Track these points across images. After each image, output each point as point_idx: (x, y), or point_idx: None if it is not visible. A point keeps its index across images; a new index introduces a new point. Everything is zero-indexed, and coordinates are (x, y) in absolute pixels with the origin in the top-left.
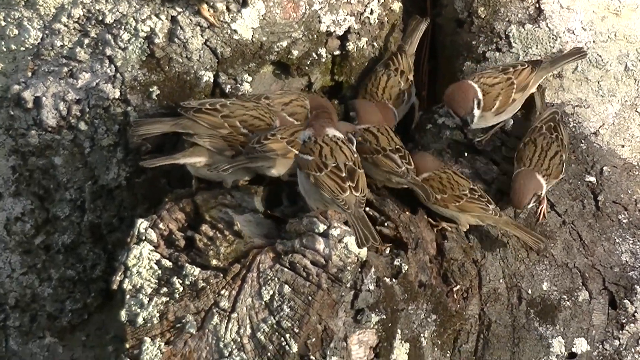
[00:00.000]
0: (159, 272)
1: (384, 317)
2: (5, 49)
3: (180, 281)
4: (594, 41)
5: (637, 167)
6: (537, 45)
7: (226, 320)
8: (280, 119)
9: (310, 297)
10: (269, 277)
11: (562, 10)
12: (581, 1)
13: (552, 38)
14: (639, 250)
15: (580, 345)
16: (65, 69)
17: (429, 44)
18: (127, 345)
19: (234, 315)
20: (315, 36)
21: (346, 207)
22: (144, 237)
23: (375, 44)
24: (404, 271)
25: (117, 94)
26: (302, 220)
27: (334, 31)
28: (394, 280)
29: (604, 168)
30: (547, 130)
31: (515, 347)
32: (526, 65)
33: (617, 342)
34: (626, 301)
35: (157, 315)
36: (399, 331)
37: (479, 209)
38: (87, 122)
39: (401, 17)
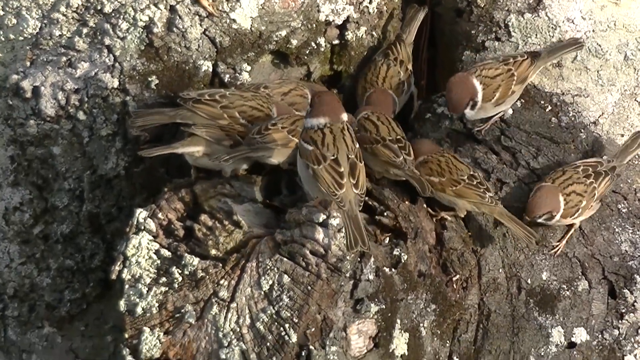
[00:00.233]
0: (158, 262)
1: (384, 307)
2: (3, 39)
3: (180, 271)
4: (593, 30)
5: (637, 156)
6: (536, 35)
7: (225, 310)
8: (278, 108)
9: (309, 287)
10: (268, 267)
11: (562, 0)
12: None
13: (552, 27)
14: (639, 240)
15: (580, 335)
16: (64, 59)
17: (428, 33)
18: (126, 335)
19: (233, 305)
20: (314, 25)
21: (342, 204)
22: (142, 227)
23: (374, 33)
24: (403, 261)
25: (116, 84)
26: (301, 209)
27: (333, 20)
28: (393, 270)
29: (604, 157)
30: (583, 172)
31: (514, 336)
32: (526, 57)
33: (616, 332)
34: (626, 291)
35: (156, 305)
36: (398, 321)
37: (476, 195)
38: (86, 112)
39: (400, 5)
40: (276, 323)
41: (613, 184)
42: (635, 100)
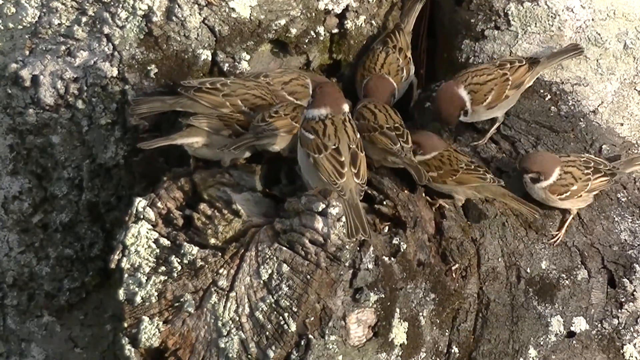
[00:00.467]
0: (157, 251)
1: (383, 296)
2: (2, 27)
3: (179, 260)
4: (592, 19)
5: (636, 145)
6: (535, 24)
7: (224, 299)
8: (279, 99)
9: (308, 276)
10: (268, 256)
11: None
12: None
13: (551, 16)
14: (638, 229)
15: (579, 324)
16: (63, 48)
17: (427, 22)
18: (125, 324)
19: (232, 294)
20: (313, 14)
21: (342, 193)
22: (142, 216)
23: (373, 22)
24: (402, 250)
25: (115, 73)
26: (300, 199)
27: (332, 9)
28: (392, 259)
29: (603, 146)
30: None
31: (513, 325)
32: (524, 63)
33: (615, 321)
34: (625, 280)
35: (156, 294)
36: (397, 310)
37: (477, 178)
38: (85, 101)
39: None
40: (275, 312)
41: (608, 186)
42: (634, 89)
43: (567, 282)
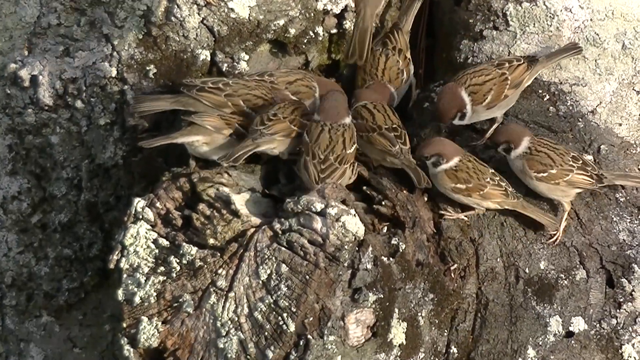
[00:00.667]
0: (156, 251)
1: (382, 296)
2: (1, 27)
3: (178, 260)
4: (591, 19)
5: (635, 145)
6: (534, 24)
7: (223, 300)
8: (282, 98)
9: (307, 276)
10: (267, 256)
11: None
12: None
13: (549, 16)
14: (637, 229)
15: (578, 324)
16: (62, 48)
17: (426, 21)
18: (124, 325)
19: (231, 294)
20: (312, 14)
21: None
22: (141, 216)
23: None
24: (401, 250)
25: (114, 73)
26: (299, 199)
27: (331, 9)
28: (391, 259)
29: (602, 146)
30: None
31: (512, 326)
32: (522, 62)
33: (614, 321)
34: (623, 280)
35: (154, 294)
36: (396, 310)
37: (501, 195)
38: (84, 101)
39: None
40: (274, 312)
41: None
42: (633, 89)
43: (565, 282)
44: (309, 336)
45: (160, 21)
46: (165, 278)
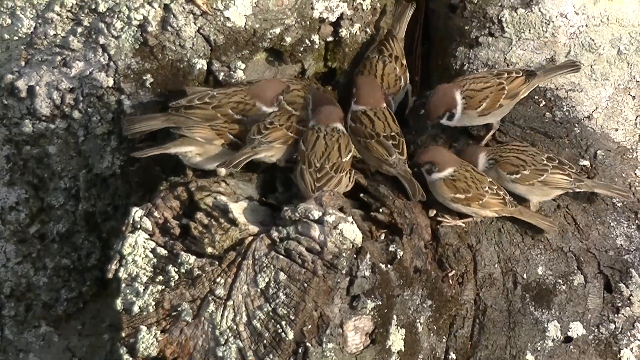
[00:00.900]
0: (155, 260)
1: (380, 303)
2: None
3: (176, 269)
4: (586, 25)
5: (631, 150)
6: (529, 30)
7: (222, 308)
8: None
9: (305, 284)
10: (265, 265)
11: None
12: None
13: (545, 22)
14: (634, 234)
15: (576, 329)
16: (59, 58)
17: (422, 28)
18: (123, 334)
19: (230, 302)
20: (308, 23)
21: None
22: (139, 226)
23: (368, 29)
24: (399, 257)
25: (111, 83)
26: (297, 207)
27: (327, 17)
28: (389, 266)
29: (598, 152)
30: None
31: (511, 331)
32: (521, 74)
33: (612, 326)
34: (621, 285)
35: (153, 303)
36: (394, 317)
37: (500, 203)
38: (81, 111)
39: (393, 2)
40: (273, 320)
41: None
42: (628, 94)
43: (563, 287)
44: (308, 344)
45: (157, 31)
46: (163, 287)
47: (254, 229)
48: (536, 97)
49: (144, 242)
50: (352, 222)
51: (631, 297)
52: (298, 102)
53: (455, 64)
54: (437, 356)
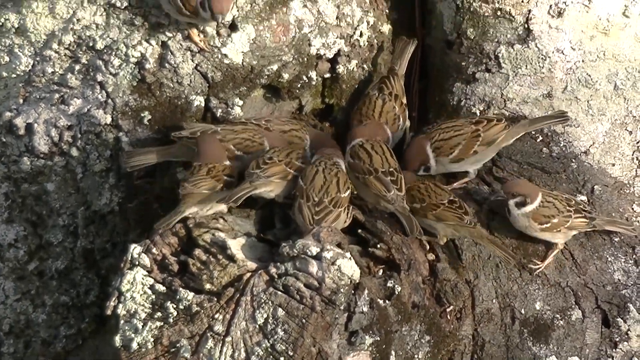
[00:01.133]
0: (153, 297)
1: (378, 338)
2: None
3: (174, 306)
4: (583, 60)
5: (628, 185)
6: (526, 66)
7: (220, 344)
8: (269, 139)
9: (304, 320)
10: (263, 301)
11: (551, 30)
12: (570, 21)
13: (541, 58)
14: (631, 269)
15: None
16: (57, 96)
17: (419, 64)
18: None
19: (228, 339)
20: (305, 59)
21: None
22: (137, 262)
23: (365, 66)
24: (397, 292)
25: (109, 120)
26: (295, 243)
27: (324, 54)
28: (387, 301)
29: (595, 187)
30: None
31: None
32: (502, 121)
33: None
34: (619, 319)
35: (152, 340)
36: (393, 352)
37: (455, 217)
38: (79, 148)
39: (390, 38)
40: (271, 356)
41: (587, 228)
42: (625, 129)
43: (561, 322)
44: None
45: (154, 68)
46: (162, 323)
47: (252, 265)
48: (533, 132)
49: (143, 278)
50: (350, 258)
51: (629, 332)
52: (296, 143)
53: (453, 100)
54: None
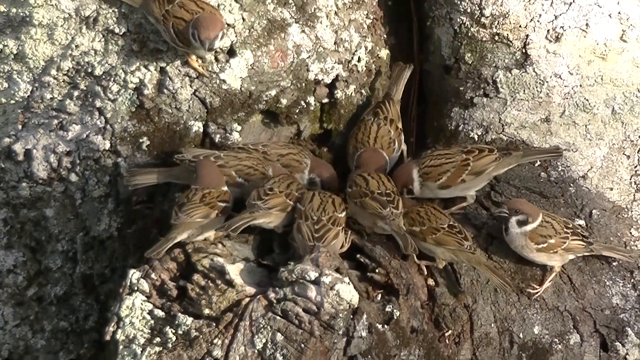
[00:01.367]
0: (152, 322)
1: None
2: None
3: (173, 331)
4: (580, 85)
5: (626, 209)
6: (524, 90)
7: None
8: (273, 169)
9: (302, 345)
10: (262, 325)
11: (549, 55)
12: (567, 46)
13: (539, 83)
14: (630, 293)
15: None
16: (55, 121)
17: (417, 89)
18: None
19: None
20: (303, 84)
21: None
22: (136, 288)
23: (363, 91)
24: (395, 317)
25: (108, 146)
26: (293, 268)
27: (322, 79)
28: (386, 326)
29: (593, 211)
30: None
31: None
32: (494, 152)
33: None
34: (617, 344)
35: None
36: None
37: (455, 242)
38: (78, 174)
39: (388, 63)
40: None
41: (584, 252)
42: (623, 153)
43: (559, 346)
44: None
45: (153, 93)
46: (161, 349)
47: (250, 290)
48: None
49: (142, 304)
50: (348, 283)
51: (627, 356)
52: (294, 166)
53: (451, 125)
54: None
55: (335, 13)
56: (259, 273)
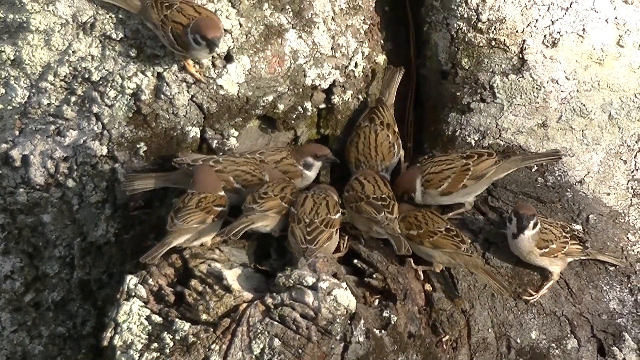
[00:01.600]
0: (149, 327)
1: None
2: None
3: (171, 336)
4: (577, 90)
5: (623, 214)
6: (521, 96)
7: None
8: (269, 174)
9: (300, 350)
10: (259, 331)
11: (546, 60)
12: (564, 51)
13: (536, 88)
14: (627, 298)
15: None
16: (53, 127)
17: (414, 95)
18: None
19: None
20: (300, 90)
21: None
22: (133, 293)
23: (360, 96)
24: (393, 322)
25: (105, 151)
26: (291, 273)
27: (319, 85)
28: (383, 331)
29: (590, 216)
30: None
31: None
32: (493, 156)
33: None
34: (614, 348)
35: None
36: None
37: (452, 245)
38: (75, 180)
39: (384, 67)
40: None
41: (581, 255)
42: (620, 158)
43: (557, 351)
44: None
45: (150, 99)
46: (158, 354)
47: (248, 295)
48: None
49: (139, 309)
50: (346, 288)
51: None
52: (291, 171)
53: (448, 130)
54: None
55: (332, 18)
56: (256, 278)
